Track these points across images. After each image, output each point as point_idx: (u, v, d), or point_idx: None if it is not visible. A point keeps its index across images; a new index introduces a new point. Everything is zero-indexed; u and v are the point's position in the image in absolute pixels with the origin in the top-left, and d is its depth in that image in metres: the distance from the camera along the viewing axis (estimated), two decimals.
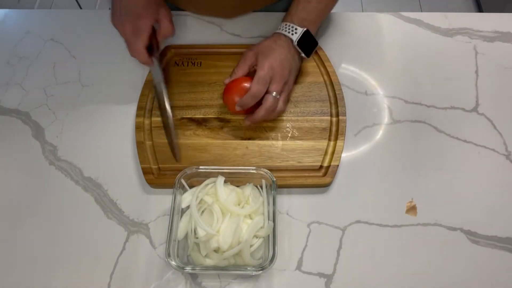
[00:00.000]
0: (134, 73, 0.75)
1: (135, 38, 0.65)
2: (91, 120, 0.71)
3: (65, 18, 0.84)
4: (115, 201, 0.63)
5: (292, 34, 0.66)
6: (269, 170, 0.59)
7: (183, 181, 0.59)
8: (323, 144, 0.66)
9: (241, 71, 0.65)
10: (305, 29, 0.66)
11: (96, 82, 0.75)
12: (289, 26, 0.66)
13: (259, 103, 0.64)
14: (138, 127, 0.67)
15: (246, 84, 0.63)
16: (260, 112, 0.63)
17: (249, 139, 0.67)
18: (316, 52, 0.74)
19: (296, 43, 0.65)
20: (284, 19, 0.69)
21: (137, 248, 0.59)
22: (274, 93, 0.63)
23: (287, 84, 0.66)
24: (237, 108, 0.64)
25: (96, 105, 0.72)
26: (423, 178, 0.64)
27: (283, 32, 0.66)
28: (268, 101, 0.63)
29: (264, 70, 0.62)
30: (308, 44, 0.67)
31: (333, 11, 0.74)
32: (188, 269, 0.54)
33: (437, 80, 0.74)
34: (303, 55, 0.67)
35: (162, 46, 0.75)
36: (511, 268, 0.58)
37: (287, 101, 0.69)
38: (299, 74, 0.72)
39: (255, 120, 0.64)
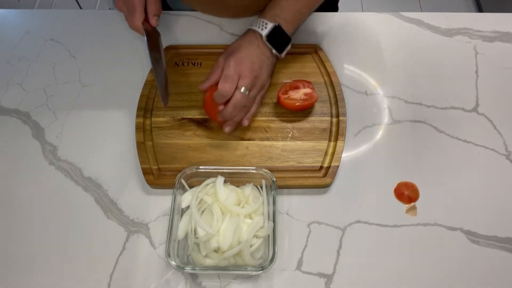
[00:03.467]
0: (134, 73, 0.74)
1: (131, 17, 0.67)
2: (91, 120, 0.71)
3: (65, 18, 0.84)
4: (115, 201, 0.63)
5: (262, 29, 0.65)
6: (269, 170, 0.59)
7: (183, 181, 0.59)
8: (323, 144, 0.66)
9: (215, 75, 0.64)
10: (276, 24, 0.65)
11: (96, 82, 0.75)
12: (260, 21, 0.66)
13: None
14: (138, 127, 0.67)
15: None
16: (228, 108, 0.62)
17: (249, 139, 0.67)
18: (316, 53, 0.75)
19: (265, 38, 0.65)
20: (258, 16, 0.68)
21: (137, 248, 0.59)
22: (243, 88, 0.62)
23: (258, 79, 0.65)
24: (219, 118, 0.63)
25: (96, 105, 0.72)
26: (423, 178, 0.64)
27: (254, 27, 0.66)
28: (235, 97, 0.62)
29: (230, 67, 0.62)
30: (280, 41, 0.66)
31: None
32: (188, 269, 0.54)
33: (437, 80, 0.74)
34: (274, 51, 0.67)
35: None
36: (511, 268, 0.58)
37: (262, 98, 0.68)
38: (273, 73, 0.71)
39: (224, 117, 0.63)
